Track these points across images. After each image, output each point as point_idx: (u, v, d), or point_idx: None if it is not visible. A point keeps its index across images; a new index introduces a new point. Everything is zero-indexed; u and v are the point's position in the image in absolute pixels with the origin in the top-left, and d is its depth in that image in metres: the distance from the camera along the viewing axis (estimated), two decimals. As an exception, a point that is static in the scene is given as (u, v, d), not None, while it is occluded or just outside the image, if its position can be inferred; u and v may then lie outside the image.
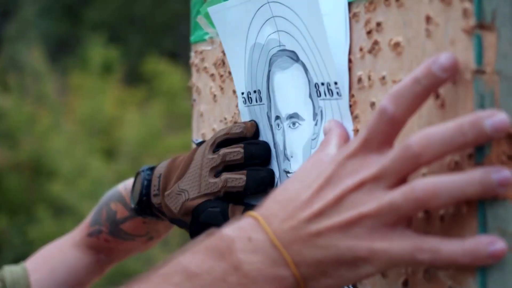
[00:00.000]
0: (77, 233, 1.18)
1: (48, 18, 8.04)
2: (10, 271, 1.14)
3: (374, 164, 0.66)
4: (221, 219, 0.90)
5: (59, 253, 1.18)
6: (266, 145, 0.93)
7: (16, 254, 5.59)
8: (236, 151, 0.92)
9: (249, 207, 0.90)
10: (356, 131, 0.79)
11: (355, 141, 0.68)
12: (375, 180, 0.65)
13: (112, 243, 1.16)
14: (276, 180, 0.93)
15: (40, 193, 6.22)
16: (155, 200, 1.00)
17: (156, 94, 7.08)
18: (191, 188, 0.95)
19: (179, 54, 8.03)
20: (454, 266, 0.64)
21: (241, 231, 0.69)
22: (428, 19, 0.68)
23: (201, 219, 0.92)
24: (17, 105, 6.75)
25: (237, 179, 0.90)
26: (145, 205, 1.02)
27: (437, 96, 0.66)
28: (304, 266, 0.66)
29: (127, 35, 8.14)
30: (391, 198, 0.64)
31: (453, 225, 0.65)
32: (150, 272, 0.69)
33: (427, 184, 0.62)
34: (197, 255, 0.68)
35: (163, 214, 1.00)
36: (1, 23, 7.57)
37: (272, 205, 0.70)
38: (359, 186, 0.66)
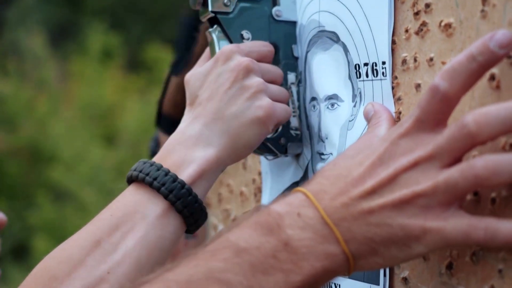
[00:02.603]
0: None
1: (49, 3, 8.00)
2: None
3: (429, 143, 0.65)
4: None
5: None
6: None
7: (15, 239, 5.58)
8: None
9: None
10: (398, 113, 0.78)
11: (408, 120, 0.67)
12: (430, 159, 0.65)
13: None
14: (307, 161, 0.93)
15: (39, 179, 6.19)
16: None
17: (156, 81, 7.05)
18: None
19: (180, 42, 7.99)
20: (507, 248, 0.63)
21: (289, 207, 0.68)
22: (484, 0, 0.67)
23: None
24: (16, 90, 6.72)
25: None
26: None
27: (493, 77, 0.66)
28: (354, 244, 0.66)
29: (128, 22, 8.10)
30: (448, 176, 0.63)
31: (505, 208, 0.64)
32: (197, 249, 0.68)
33: (488, 161, 0.61)
34: (246, 231, 0.67)
35: None
36: (2, 8, 7.54)
37: (321, 181, 0.69)
38: (414, 165, 0.65)
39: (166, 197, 0.81)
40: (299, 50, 0.94)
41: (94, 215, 0.83)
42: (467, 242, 0.63)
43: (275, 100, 0.88)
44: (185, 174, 0.82)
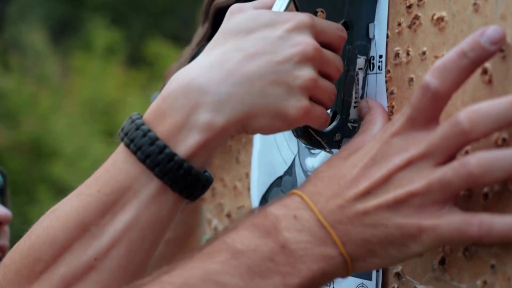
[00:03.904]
0: None
1: (51, -2, 8.00)
2: None
3: (421, 141, 0.65)
4: None
5: None
6: None
7: (15, 234, 5.58)
8: None
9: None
10: (391, 107, 0.78)
11: (399, 119, 0.67)
12: (423, 158, 0.64)
13: None
14: (293, 156, 0.91)
15: (40, 174, 6.20)
16: None
17: (158, 77, 7.05)
18: None
19: (181, 37, 8.00)
20: (500, 243, 0.63)
21: (286, 209, 0.67)
22: (476, -7, 0.66)
23: None
24: (18, 85, 6.72)
25: None
26: None
27: (485, 72, 0.65)
28: (351, 246, 0.66)
29: (129, 17, 8.10)
30: (442, 174, 0.62)
31: (498, 203, 0.64)
32: (193, 252, 0.68)
33: (481, 158, 0.61)
34: (242, 233, 0.67)
35: None
36: (3, 3, 7.54)
37: (316, 183, 0.69)
38: (407, 164, 0.65)
39: (152, 169, 0.71)
40: (375, 30, 0.81)
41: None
42: (462, 239, 0.63)
43: (319, 100, 0.74)
44: (183, 146, 0.70)
